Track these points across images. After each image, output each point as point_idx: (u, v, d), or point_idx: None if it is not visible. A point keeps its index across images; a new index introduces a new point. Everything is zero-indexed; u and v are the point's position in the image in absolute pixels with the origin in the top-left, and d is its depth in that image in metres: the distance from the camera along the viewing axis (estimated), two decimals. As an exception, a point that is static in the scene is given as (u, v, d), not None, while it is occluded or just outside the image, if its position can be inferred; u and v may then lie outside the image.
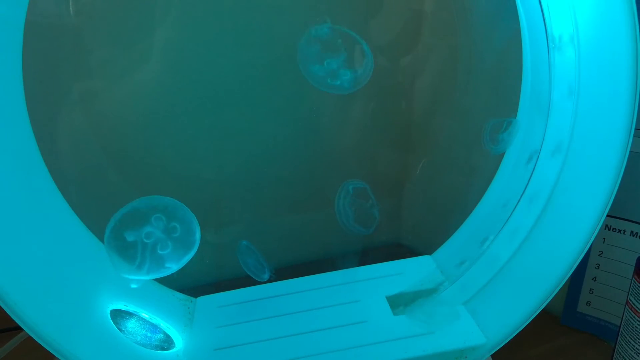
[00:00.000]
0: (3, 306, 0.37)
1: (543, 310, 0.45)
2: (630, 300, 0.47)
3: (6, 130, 0.40)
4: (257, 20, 0.57)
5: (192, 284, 0.51)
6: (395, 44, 0.65)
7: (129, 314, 0.45)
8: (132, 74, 0.55)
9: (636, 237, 0.54)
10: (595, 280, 0.57)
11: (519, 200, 0.48)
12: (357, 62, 0.49)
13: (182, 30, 0.55)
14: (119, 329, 0.43)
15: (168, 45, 0.55)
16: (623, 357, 0.48)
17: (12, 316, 0.37)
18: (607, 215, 0.54)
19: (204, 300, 0.54)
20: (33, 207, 0.42)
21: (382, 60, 0.65)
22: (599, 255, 0.56)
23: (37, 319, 0.37)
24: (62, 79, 0.52)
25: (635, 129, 0.41)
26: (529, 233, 0.45)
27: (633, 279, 0.47)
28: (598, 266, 0.57)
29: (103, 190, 0.57)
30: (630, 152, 0.49)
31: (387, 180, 0.70)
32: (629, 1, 0.38)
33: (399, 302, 0.51)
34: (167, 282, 0.50)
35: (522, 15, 0.48)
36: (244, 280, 0.55)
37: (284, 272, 0.56)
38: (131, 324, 0.45)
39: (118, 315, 0.44)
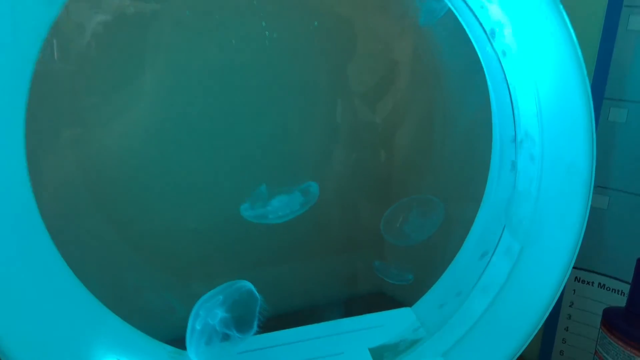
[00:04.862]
0: (-4, 358, 0.37)
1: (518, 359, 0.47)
2: (599, 350, 0.49)
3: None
4: (245, 67, 0.58)
5: (182, 336, 0.51)
6: (375, 95, 0.67)
7: (119, 367, 0.46)
8: (117, 121, 0.55)
9: (603, 288, 0.56)
10: (567, 330, 0.60)
11: (492, 255, 0.51)
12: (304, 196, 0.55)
13: (168, 79, 0.55)
14: (109, 382, 0.44)
15: (154, 93, 0.55)
16: (595, 406, 0.50)
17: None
18: (576, 268, 0.57)
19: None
20: (25, 258, 0.42)
21: (363, 111, 0.68)
22: (570, 306, 0.59)
23: (28, 372, 0.38)
24: (45, 125, 0.51)
25: (595, 186, 0.44)
26: (502, 287, 0.48)
27: (600, 329, 0.49)
28: (569, 317, 0.59)
29: (91, 238, 0.56)
30: (594, 208, 0.52)
31: (369, 232, 0.72)
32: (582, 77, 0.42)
33: (381, 354, 0.52)
34: (156, 334, 0.51)
35: (490, 85, 0.53)
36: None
37: (268, 323, 0.57)
38: (120, 377, 0.46)
39: (108, 368, 0.45)
